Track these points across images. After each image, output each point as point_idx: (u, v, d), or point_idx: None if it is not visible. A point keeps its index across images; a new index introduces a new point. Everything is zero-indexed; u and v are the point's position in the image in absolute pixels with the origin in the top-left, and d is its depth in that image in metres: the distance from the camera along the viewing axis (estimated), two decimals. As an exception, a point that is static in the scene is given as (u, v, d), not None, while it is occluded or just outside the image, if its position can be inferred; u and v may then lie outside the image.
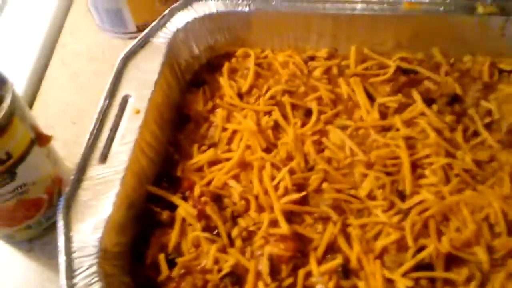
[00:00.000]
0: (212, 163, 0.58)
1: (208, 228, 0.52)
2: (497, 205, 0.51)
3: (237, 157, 0.57)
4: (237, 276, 0.49)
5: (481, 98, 0.61)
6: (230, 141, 0.60)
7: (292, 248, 0.50)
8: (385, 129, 0.60)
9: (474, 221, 0.50)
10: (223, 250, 0.51)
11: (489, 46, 0.64)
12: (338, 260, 0.49)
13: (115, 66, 0.60)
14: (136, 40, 0.62)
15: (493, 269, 0.48)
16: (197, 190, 0.54)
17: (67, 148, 0.66)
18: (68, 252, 0.45)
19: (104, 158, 0.53)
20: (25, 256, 0.58)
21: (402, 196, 0.54)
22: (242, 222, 0.53)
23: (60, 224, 0.47)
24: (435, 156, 0.56)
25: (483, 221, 0.51)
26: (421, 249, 0.50)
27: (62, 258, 0.45)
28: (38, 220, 0.56)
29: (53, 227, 0.51)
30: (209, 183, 0.56)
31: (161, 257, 0.50)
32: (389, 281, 0.48)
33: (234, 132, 0.60)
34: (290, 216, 0.53)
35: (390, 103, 0.62)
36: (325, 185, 0.55)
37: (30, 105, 0.72)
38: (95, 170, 0.51)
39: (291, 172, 0.56)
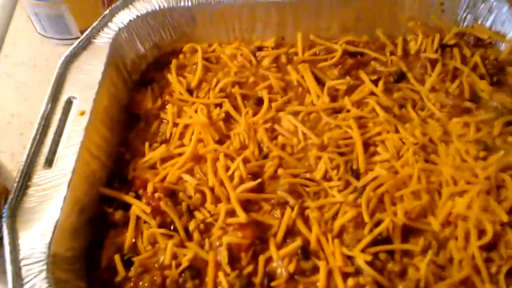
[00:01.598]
0: (165, 159, 0.57)
1: (164, 224, 0.51)
2: (447, 173, 0.52)
3: (189, 151, 0.56)
4: (196, 269, 0.48)
5: (425, 73, 0.62)
6: (182, 136, 0.59)
7: (250, 236, 0.50)
8: (336, 111, 0.61)
9: (426, 192, 0.51)
10: (180, 244, 0.50)
11: (430, 23, 0.65)
12: (297, 243, 0.49)
13: (56, 69, 0.58)
14: (77, 42, 0.60)
15: (448, 236, 0.48)
16: (150, 187, 0.53)
17: (15, 159, 0.63)
18: (15, 261, 0.43)
19: (49, 162, 0.51)
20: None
21: (357, 175, 0.54)
22: (198, 215, 0.52)
23: (5, 233, 0.45)
24: (385, 133, 0.57)
25: (435, 191, 0.51)
26: (378, 224, 0.50)
27: (8, 268, 0.43)
28: (-15, 233, 0.53)
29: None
30: (163, 180, 0.54)
31: (117, 257, 0.49)
32: (349, 258, 0.48)
33: (186, 127, 0.59)
34: (247, 205, 0.53)
35: (339, 85, 0.62)
36: (280, 171, 0.55)
37: (-26, 120, 0.69)
38: (40, 176, 0.50)
39: (246, 161, 0.56)
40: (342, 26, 0.67)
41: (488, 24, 0.65)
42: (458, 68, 0.62)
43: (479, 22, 0.65)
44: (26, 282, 0.43)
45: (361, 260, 0.47)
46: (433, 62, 0.63)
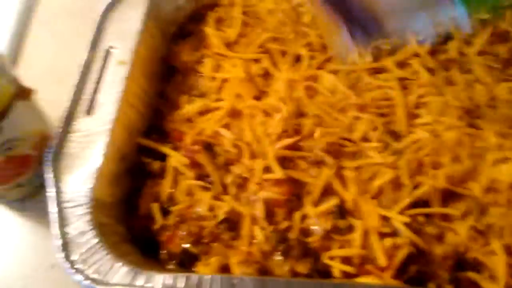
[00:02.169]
0: (202, 113, 0.57)
1: (201, 177, 0.52)
2: (493, 140, 0.50)
3: (227, 105, 0.56)
4: (232, 222, 0.49)
5: (475, 35, 0.59)
6: (219, 91, 0.58)
7: (286, 192, 0.50)
8: (378, 71, 0.59)
9: (469, 157, 0.50)
10: (217, 197, 0.50)
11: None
12: (334, 201, 0.48)
13: (96, 18, 0.58)
14: (116, -10, 0.60)
15: (491, 202, 0.47)
16: (187, 139, 0.53)
17: (54, 108, 0.63)
18: (59, 202, 0.44)
19: (90, 110, 0.51)
20: (18, 216, 0.58)
21: (397, 137, 0.53)
22: (235, 169, 0.52)
23: (49, 176, 0.46)
24: (429, 96, 0.55)
25: (478, 156, 0.50)
26: (417, 187, 0.49)
27: (53, 209, 0.44)
28: (28, 177, 0.55)
29: (45, 185, 0.50)
30: (200, 133, 0.54)
31: (155, 206, 0.50)
32: (386, 219, 0.48)
33: (223, 81, 0.59)
34: (284, 162, 0.52)
35: (383, 45, 0.60)
36: (318, 130, 0.54)
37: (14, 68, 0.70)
38: (82, 123, 0.50)
39: (284, 118, 0.55)
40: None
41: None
42: (509, 31, 0.59)
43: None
44: (70, 224, 0.44)
45: (398, 221, 0.47)
46: (483, 23, 0.60)
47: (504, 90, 0.55)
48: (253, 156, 0.53)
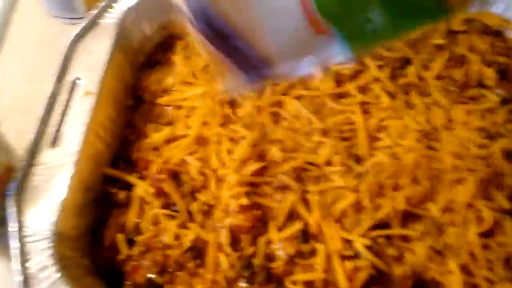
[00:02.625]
0: (169, 141, 0.57)
1: (167, 205, 0.52)
2: (449, 161, 0.52)
3: (193, 133, 0.56)
4: (198, 250, 0.49)
5: (431, 60, 0.62)
6: (186, 119, 0.59)
7: (252, 218, 0.50)
8: (340, 96, 0.61)
9: (427, 178, 0.51)
10: (183, 225, 0.51)
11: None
12: (298, 225, 0.49)
13: (62, 49, 0.58)
14: (83, 22, 0.61)
15: (448, 222, 0.49)
16: (153, 168, 0.53)
17: (21, 139, 0.64)
18: (21, 237, 0.44)
19: (55, 142, 0.52)
20: (-17, 249, 0.57)
21: (359, 160, 0.54)
22: (201, 197, 0.52)
23: (11, 210, 0.46)
24: (389, 119, 0.57)
25: (436, 178, 0.51)
26: (378, 209, 0.50)
27: (14, 244, 0.44)
28: (-7, 211, 0.54)
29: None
30: (166, 162, 0.55)
31: (120, 236, 0.50)
32: (348, 242, 0.49)
33: (191, 109, 0.60)
34: (249, 188, 0.53)
35: (344, 70, 0.62)
36: (283, 155, 0.55)
37: (-19, 98, 0.70)
38: (46, 155, 0.51)
39: (249, 144, 0.56)
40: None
41: (499, 11, 0.64)
42: (465, 55, 0.62)
43: (490, 9, 0.65)
44: (32, 259, 0.44)
45: (359, 244, 0.48)
46: (439, 49, 0.63)
47: (461, 112, 0.57)
48: (219, 183, 0.53)
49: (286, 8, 0.29)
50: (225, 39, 0.31)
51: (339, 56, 0.31)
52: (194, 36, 0.33)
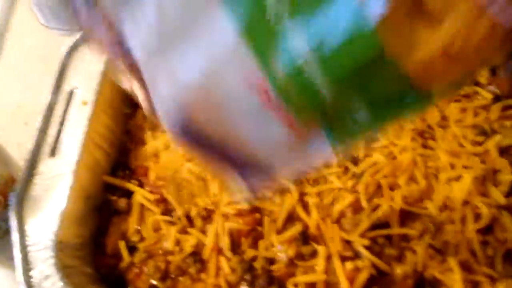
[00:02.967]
0: (167, 147, 0.58)
1: (167, 211, 0.52)
2: (445, 159, 0.52)
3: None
4: (199, 255, 0.50)
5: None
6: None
7: (251, 222, 0.51)
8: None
9: (424, 177, 0.52)
10: (183, 231, 0.51)
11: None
12: (297, 227, 0.50)
13: (58, 60, 0.59)
14: (79, 32, 0.61)
15: (446, 220, 0.49)
16: (152, 175, 0.54)
17: (21, 149, 0.64)
18: (23, 247, 0.45)
19: (54, 152, 0.52)
20: (-14, 261, 0.57)
21: (355, 161, 0.55)
22: (200, 202, 0.53)
23: (13, 220, 0.46)
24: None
25: (432, 176, 0.52)
26: (376, 209, 0.51)
27: (17, 253, 0.44)
28: (-6, 222, 0.55)
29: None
30: (165, 168, 0.55)
31: (121, 244, 0.50)
32: (348, 243, 0.49)
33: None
34: (248, 191, 0.54)
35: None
36: (280, 158, 0.56)
37: (-21, 110, 0.71)
38: (46, 165, 0.51)
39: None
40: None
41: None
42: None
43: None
44: (34, 268, 0.44)
45: (359, 244, 0.48)
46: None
47: (455, 110, 0.57)
48: (219, 187, 0.54)
49: (261, 117, 0.28)
50: (216, 150, 0.31)
51: (329, 153, 0.30)
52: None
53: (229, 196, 0.49)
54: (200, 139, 0.30)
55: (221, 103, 0.29)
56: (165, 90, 0.30)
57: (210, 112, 0.30)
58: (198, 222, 0.52)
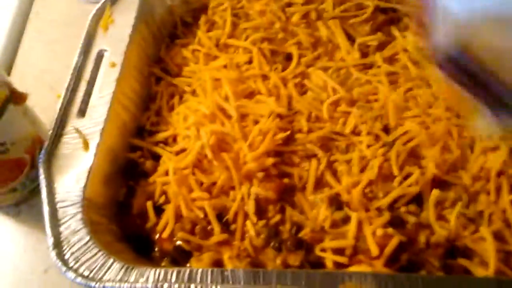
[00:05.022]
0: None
1: (193, 173, 0.52)
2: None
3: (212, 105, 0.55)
4: (225, 218, 0.49)
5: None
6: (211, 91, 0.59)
7: (278, 190, 0.50)
8: (367, 67, 0.60)
9: (458, 147, 0.50)
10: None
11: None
12: (329, 192, 0.49)
13: (87, 23, 0.59)
14: (107, -1, 0.61)
15: (479, 190, 0.48)
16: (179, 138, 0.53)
17: (47, 113, 0.64)
18: (52, 202, 0.45)
19: (82, 112, 0.52)
20: (13, 221, 0.58)
21: (387, 130, 0.54)
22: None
23: (42, 177, 0.46)
24: (417, 89, 0.56)
25: (467, 146, 0.50)
26: (408, 177, 0.49)
27: (46, 209, 0.44)
28: (22, 181, 0.55)
29: (38, 189, 0.50)
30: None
31: (149, 204, 0.50)
32: (379, 210, 0.48)
33: (216, 81, 0.59)
34: (276, 157, 0.53)
35: (370, 41, 0.61)
36: (309, 125, 0.55)
37: (7, 75, 0.71)
38: (74, 124, 0.51)
39: (275, 115, 0.55)
40: (374, -20, 0.65)
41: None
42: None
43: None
44: (63, 223, 0.44)
45: (389, 212, 0.47)
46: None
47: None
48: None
49: None
50: (479, 81, 0.32)
51: None
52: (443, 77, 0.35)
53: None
54: (467, 69, 0.33)
55: None
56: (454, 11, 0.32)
57: (495, 38, 0.31)
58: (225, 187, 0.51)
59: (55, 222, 0.44)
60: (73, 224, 0.44)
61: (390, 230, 0.46)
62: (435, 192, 0.47)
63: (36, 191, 0.57)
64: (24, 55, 0.74)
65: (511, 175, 0.48)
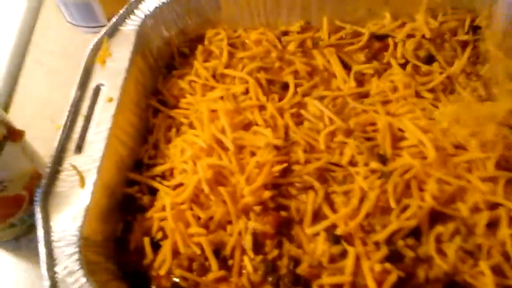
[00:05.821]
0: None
1: (190, 208, 0.52)
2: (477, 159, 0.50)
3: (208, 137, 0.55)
4: (222, 254, 0.49)
5: (455, 56, 0.60)
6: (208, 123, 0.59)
7: (275, 224, 0.50)
8: (363, 96, 0.60)
9: (455, 177, 0.50)
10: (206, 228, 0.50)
11: (461, 4, 0.63)
12: (326, 223, 0.48)
13: (84, 57, 0.59)
14: (103, 30, 0.61)
15: (478, 222, 0.47)
16: (175, 172, 0.53)
17: (47, 146, 0.64)
18: (48, 242, 0.45)
19: (79, 148, 0.52)
20: (12, 256, 0.58)
21: (384, 160, 0.53)
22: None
23: (38, 216, 0.46)
24: (411, 114, 0.56)
25: (464, 176, 0.50)
26: (405, 210, 0.49)
27: (42, 249, 0.44)
28: (20, 217, 0.55)
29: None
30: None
31: (146, 240, 0.50)
32: (377, 244, 0.48)
33: (212, 112, 0.59)
34: (272, 189, 0.52)
35: (366, 70, 0.62)
36: (306, 156, 0.55)
37: (6, 107, 0.72)
38: (71, 161, 0.51)
39: (272, 146, 0.55)
40: (368, 9, 0.65)
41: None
42: (490, 50, 0.60)
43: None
44: (59, 263, 0.44)
45: (387, 246, 0.47)
46: (464, 45, 0.61)
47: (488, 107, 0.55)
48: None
49: None
50: None
51: None
52: None
53: None
54: None
55: None
56: None
57: None
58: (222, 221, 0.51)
59: (52, 262, 0.44)
60: (69, 265, 0.44)
61: (388, 265, 0.45)
62: (437, 229, 0.47)
63: (34, 225, 0.57)
64: (24, 87, 0.74)
65: (509, 206, 0.47)
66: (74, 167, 0.50)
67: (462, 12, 0.64)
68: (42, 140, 0.66)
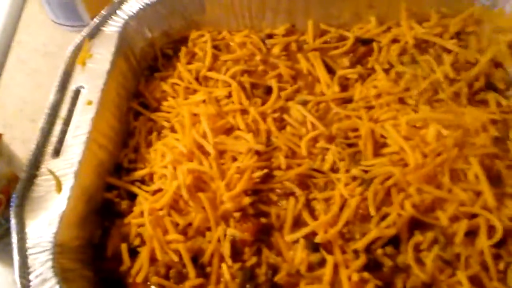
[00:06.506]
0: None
1: (169, 214, 0.51)
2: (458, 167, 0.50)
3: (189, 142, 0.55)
4: (200, 261, 0.48)
5: (440, 62, 0.60)
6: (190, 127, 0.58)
7: (254, 231, 0.49)
8: (346, 101, 0.60)
9: (435, 186, 0.50)
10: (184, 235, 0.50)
11: (447, 9, 0.63)
12: (305, 230, 0.48)
13: (65, 58, 0.58)
14: (84, 30, 0.60)
15: (456, 231, 0.47)
16: (155, 177, 0.53)
17: (27, 146, 0.64)
18: (22, 249, 0.44)
19: (57, 152, 0.51)
20: (-12, 260, 0.57)
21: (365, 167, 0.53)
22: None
23: (13, 222, 0.46)
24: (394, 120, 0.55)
25: (444, 185, 0.50)
26: (385, 218, 0.49)
27: (15, 256, 0.43)
28: (-3, 221, 0.54)
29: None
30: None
31: (123, 247, 0.49)
32: (355, 253, 0.47)
33: (194, 116, 0.59)
34: (253, 195, 0.52)
35: (350, 75, 0.61)
36: (288, 162, 0.54)
37: (-13, 106, 0.71)
38: (48, 165, 0.50)
39: (253, 152, 0.55)
40: (354, 13, 0.65)
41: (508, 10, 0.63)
42: (475, 57, 0.60)
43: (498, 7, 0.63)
44: (32, 271, 0.43)
45: (365, 254, 0.47)
46: (448, 50, 0.61)
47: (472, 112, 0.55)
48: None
49: None
50: None
51: None
52: None
53: None
54: None
55: None
56: None
57: None
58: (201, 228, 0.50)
59: (25, 269, 0.43)
60: (43, 272, 0.43)
61: (365, 274, 0.45)
62: (416, 238, 0.47)
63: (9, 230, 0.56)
64: (6, 86, 0.73)
65: (488, 216, 0.47)
66: (51, 172, 0.49)
67: (447, 18, 0.63)
68: (21, 141, 0.65)
